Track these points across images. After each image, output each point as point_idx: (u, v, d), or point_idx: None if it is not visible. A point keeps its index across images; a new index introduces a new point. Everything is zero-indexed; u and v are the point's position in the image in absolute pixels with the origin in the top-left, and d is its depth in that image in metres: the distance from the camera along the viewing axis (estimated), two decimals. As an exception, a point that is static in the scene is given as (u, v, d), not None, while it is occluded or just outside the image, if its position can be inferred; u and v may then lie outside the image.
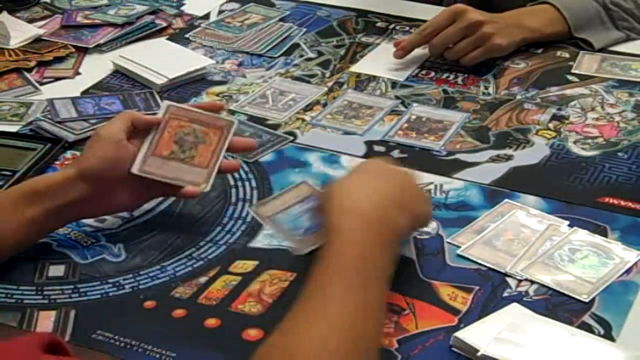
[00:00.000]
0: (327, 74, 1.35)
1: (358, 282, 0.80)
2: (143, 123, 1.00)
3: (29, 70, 1.36)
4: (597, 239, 0.99)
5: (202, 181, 1.00)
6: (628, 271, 0.95)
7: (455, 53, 1.35)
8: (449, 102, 1.27)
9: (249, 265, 0.97)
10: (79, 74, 1.37)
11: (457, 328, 0.88)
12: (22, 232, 0.94)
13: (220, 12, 1.55)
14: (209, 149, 1.01)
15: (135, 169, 0.98)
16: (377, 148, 1.17)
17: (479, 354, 0.83)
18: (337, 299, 0.79)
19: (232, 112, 1.25)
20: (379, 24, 1.50)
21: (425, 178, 1.10)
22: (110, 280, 0.95)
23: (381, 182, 0.90)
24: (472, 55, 1.34)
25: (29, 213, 0.94)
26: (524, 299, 0.92)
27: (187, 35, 1.47)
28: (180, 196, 1.03)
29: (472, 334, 0.85)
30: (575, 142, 1.18)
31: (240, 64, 1.39)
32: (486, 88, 1.31)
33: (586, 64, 1.37)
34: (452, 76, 1.34)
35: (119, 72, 1.36)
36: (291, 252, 0.97)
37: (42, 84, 1.33)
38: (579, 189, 1.09)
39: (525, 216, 1.02)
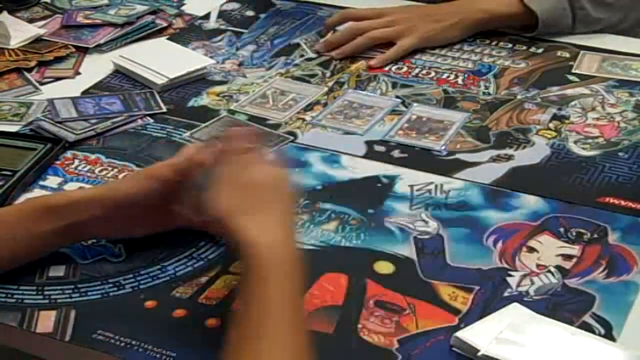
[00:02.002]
0: (328, 74, 1.35)
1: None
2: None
3: (29, 70, 1.36)
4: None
5: None
6: (628, 271, 0.95)
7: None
8: (449, 102, 1.27)
9: (249, 265, 0.97)
10: (79, 74, 1.37)
11: (457, 328, 0.88)
12: (31, 246, 0.94)
13: (221, 12, 1.55)
14: None
15: None
16: (377, 148, 1.17)
17: (479, 354, 0.83)
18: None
19: (233, 112, 1.25)
20: (379, 24, 1.50)
21: (425, 178, 1.11)
22: (110, 280, 0.95)
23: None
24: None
25: (40, 229, 0.93)
26: (525, 298, 0.92)
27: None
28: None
29: (472, 334, 0.85)
30: (575, 142, 1.18)
31: (240, 64, 1.38)
32: (486, 88, 1.31)
33: (586, 64, 1.37)
34: (452, 76, 1.34)
35: (119, 72, 1.36)
36: None
37: (42, 84, 1.33)
38: (579, 189, 1.09)
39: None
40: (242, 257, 0.84)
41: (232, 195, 0.87)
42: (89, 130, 1.19)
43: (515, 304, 0.90)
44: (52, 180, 1.11)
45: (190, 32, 1.48)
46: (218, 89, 1.32)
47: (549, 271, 0.95)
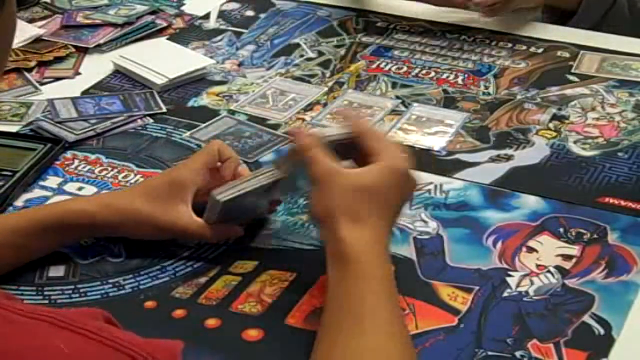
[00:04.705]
0: (328, 74, 1.35)
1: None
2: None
3: (29, 70, 1.36)
4: None
5: None
6: (628, 271, 0.95)
7: None
8: (449, 102, 1.27)
9: (249, 265, 0.97)
10: (79, 74, 1.37)
11: (457, 328, 0.88)
12: (39, 254, 0.96)
13: (221, 12, 1.55)
14: None
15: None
16: (377, 148, 1.17)
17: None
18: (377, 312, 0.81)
19: (232, 112, 1.25)
20: (379, 24, 1.50)
21: (425, 178, 1.10)
22: (110, 281, 0.95)
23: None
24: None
25: (54, 242, 0.95)
26: (524, 298, 0.92)
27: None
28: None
29: None
30: (575, 142, 1.18)
31: (240, 64, 1.39)
32: (486, 88, 1.31)
33: (586, 63, 1.37)
34: (452, 76, 1.34)
35: (119, 72, 1.36)
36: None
37: (42, 84, 1.33)
38: (579, 189, 1.09)
39: None
40: (335, 258, 0.85)
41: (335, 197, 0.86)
42: (88, 131, 1.19)
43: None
44: (52, 181, 1.11)
45: (190, 32, 1.48)
46: (218, 89, 1.32)
47: (549, 271, 0.96)
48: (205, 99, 1.29)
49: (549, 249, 0.99)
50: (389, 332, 0.80)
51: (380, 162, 0.88)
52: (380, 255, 0.85)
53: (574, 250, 0.98)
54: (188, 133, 1.20)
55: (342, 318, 0.80)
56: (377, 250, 0.85)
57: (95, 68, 1.37)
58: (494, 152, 1.16)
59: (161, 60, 1.35)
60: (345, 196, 0.86)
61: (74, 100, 1.26)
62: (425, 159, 1.14)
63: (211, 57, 1.39)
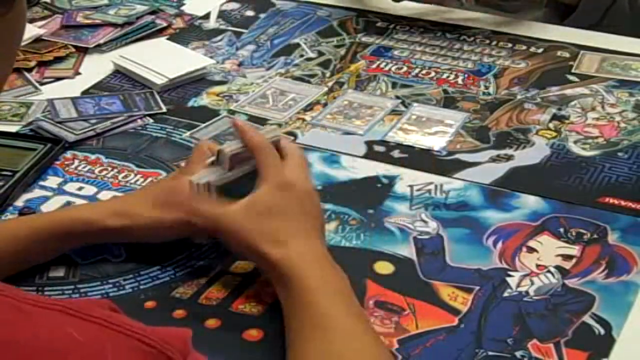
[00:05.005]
0: (328, 74, 1.35)
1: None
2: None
3: (29, 70, 1.36)
4: None
5: None
6: (628, 271, 0.95)
7: None
8: (449, 102, 1.27)
9: (249, 265, 0.97)
10: (79, 74, 1.37)
11: (457, 328, 0.88)
12: (42, 258, 0.96)
13: (221, 12, 1.55)
14: None
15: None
16: (377, 148, 1.17)
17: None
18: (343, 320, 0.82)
19: (232, 112, 1.25)
20: (379, 24, 1.50)
21: (425, 178, 1.11)
22: (110, 281, 0.95)
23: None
24: None
25: (56, 249, 0.95)
26: (524, 299, 0.92)
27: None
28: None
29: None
30: (575, 142, 1.18)
31: (240, 64, 1.39)
32: (486, 88, 1.31)
33: (586, 63, 1.37)
34: (452, 76, 1.34)
35: (119, 72, 1.36)
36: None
37: (42, 84, 1.33)
38: (579, 189, 1.09)
39: None
40: (278, 281, 0.86)
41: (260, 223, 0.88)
42: (88, 131, 1.19)
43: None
44: (52, 181, 1.11)
45: (190, 32, 1.49)
46: (218, 89, 1.32)
47: (549, 271, 0.96)
48: (205, 99, 1.29)
49: (549, 249, 0.99)
50: (357, 333, 0.80)
51: (265, 182, 0.90)
52: (321, 263, 0.86)
53: (574, 250, 0.99)
54: (188, 133, 1.20)
55: (309, 334, 0.80)
56: (318, 260, 0.86)
57: (95, 68, 1.37)
58: (494, 152, 1.16)
59: (161, 60, 1.35)
60: (254, 223, 0.88)
61: (74, 100, 1.27)
62: (425, 159, 1.14)
63: (211, 57, 1.39)
